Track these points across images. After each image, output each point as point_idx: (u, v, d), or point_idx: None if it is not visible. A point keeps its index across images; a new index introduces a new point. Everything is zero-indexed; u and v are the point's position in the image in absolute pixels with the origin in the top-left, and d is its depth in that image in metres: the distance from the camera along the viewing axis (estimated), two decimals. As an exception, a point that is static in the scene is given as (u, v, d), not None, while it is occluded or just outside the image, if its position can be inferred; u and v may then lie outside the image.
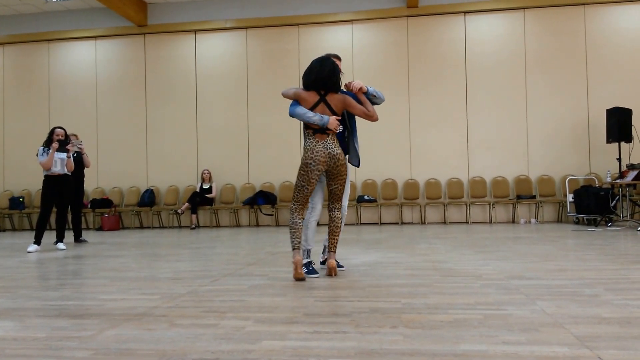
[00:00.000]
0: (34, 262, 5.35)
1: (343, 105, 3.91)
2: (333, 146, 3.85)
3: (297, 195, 3.90)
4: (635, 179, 7.85)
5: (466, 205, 10.21)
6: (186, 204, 10.52)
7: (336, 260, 4.16)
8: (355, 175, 10.53)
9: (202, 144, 11.23)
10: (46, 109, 11.74)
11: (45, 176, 6.68)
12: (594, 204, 8.51)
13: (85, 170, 8.14)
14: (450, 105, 10.41)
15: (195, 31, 11.30)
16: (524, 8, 10.31)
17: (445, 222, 10.25)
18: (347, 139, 4.19)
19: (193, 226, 10.44)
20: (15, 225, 11.49)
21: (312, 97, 3.88)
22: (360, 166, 4.24)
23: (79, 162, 7.74)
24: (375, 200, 10.21)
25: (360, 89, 3.99)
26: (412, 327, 2.42)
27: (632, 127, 8.77)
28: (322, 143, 3.84)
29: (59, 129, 6.79)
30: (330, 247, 3.98)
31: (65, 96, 11.70)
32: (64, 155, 6.71)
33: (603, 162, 9.85)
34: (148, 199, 10.92)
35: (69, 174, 6.84)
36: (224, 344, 2.21)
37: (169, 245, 6.91)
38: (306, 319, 2.63)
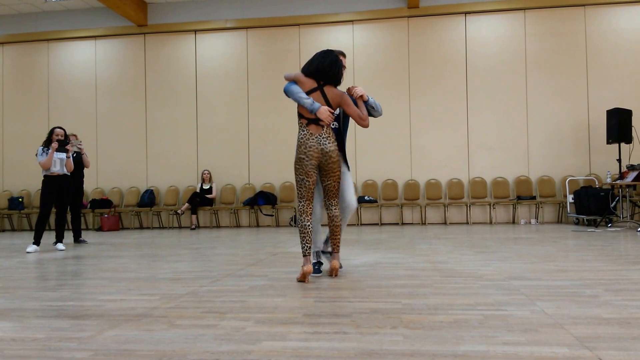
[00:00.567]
0: (33, 263, 5.34)
1: (340, 100, 3.82)
2: (327, 142, 3.75)
3: (300, 190, 3.81)
4: (635, 179, 7.85)
5: (466, 205, 10.21)
6: (186, 204, 10.51)
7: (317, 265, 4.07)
8: (355, 176, 10.53)
9: (202, 144, 11.22)
10: (45, 108, 11.74)
11: (45, 176, 6.67)
12: (594, 205, 8.51)
13: (85, 171, 8.13)
14: (450, 105, 10.41)
15: (195, 31, 11.30)
16: (524, 9, 10.31)
17: (445, 223, 10.25)
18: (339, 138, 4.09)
19: (193, 227, 10.44)
20: (15, 226, 11.48)
21: (311, 83, 3.80)
22: (349, 170, 4.14)
23: (79, 162, 7.74)
24: (375, 201, 10.20)
25: (362, 96, 3.92)
26: (412, 327, 2.41)
27: (632, 128, 8.77)
28: (316, 138, 3.74)
29: (58, 129, 6.78)
30: (333, 248, 3.88)
31: (65, 96, 11.70)
32: (63, 155, 6.71)
33: (603, 163, 9.85)
34: (148, 199, 10.92)
35: (69, 174, 6.83)
36: (224, 345, 2.21)
37: (168, 245, 6.91)
38: (306, 319, 2.62)
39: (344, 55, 4.10)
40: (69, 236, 8.22)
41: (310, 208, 3.83)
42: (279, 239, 7.39)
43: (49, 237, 7.85)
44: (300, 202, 3.82)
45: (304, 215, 3.79)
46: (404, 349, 2.09)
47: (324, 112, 3.71)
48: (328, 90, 3.81)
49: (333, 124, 4.03)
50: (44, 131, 9.35)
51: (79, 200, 7.95)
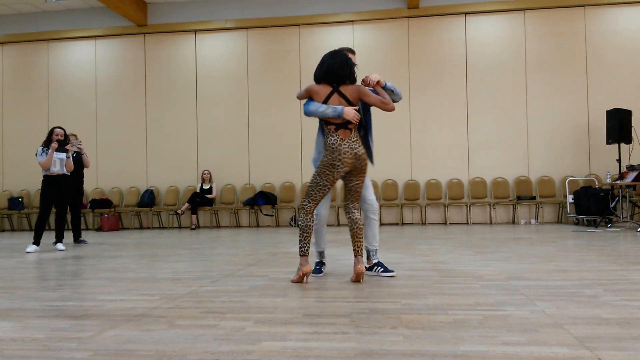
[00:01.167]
0: (33, 263, 5.34)
1: (358, 94, 3.71)
2: (357, 145, 3.67)
3: (315, 194, 3.72)
4: (635, 180, 7.85)
5: (466, 206, 10.21)
6: (186, 204, 10.51)
7: (381, 265, 3.96)
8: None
9: (203, 144, 11.22)
10: (45, 108, 11.74)
11: (44, 176, 6.66)
12: (593, 205, 8.51)
13: (85, 171, 8.13)
14: (450, 106, 10.41)
15: (195, 31, 11.30)
16: (524, 9, 10.31)
17: (445, 223, 10.25)
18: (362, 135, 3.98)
19: (193, 227, 10.44)
20: (15, 226, 11.48)
21: (325, 89, 3.71)
22: (374, 164, 4.09)
23: (79, 162, 7.74)
24: (375, 201, 10.18)
25: (378, 82, 3.82)
26: (412, 327, 2.42)
27: (632, 128, 8.78)
28: (347, 142, 3.64)
29: (58, 129, 6.78)
30: (357, 251, 3.72)
31: (65, 96, 11.70)
32: (63, 155, 6.71)
33: (603, 163, 9.85)
34: (148, 199, 10.92)
35: (68, 174, 6.83)
36: (224, 345, 2.21)
37: (168, 245, 6.91)
38: (306, 319, 2.62)
39: (352, 52, 4.03)
40: (68, 236, 8.22)
41: (313, 212, 3.80)
42: (279, 239, 7.39)
43: (48, 237, 7.85)
44: (310, 203, 3.74)
45: (309, 216, 3.73)
46: (403, 349, 2.09)
47: (349, 112, 3.62)
48: (344, 89, 3.71)
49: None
50: (44, 131, 9.34)
51: (79, 200, 7.95)
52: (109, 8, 10.62)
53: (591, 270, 4.01)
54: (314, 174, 3.75)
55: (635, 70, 9.93)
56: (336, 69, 3.69)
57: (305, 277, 3.71)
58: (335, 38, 10.72)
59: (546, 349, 2.05)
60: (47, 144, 6.70)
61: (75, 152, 7.39)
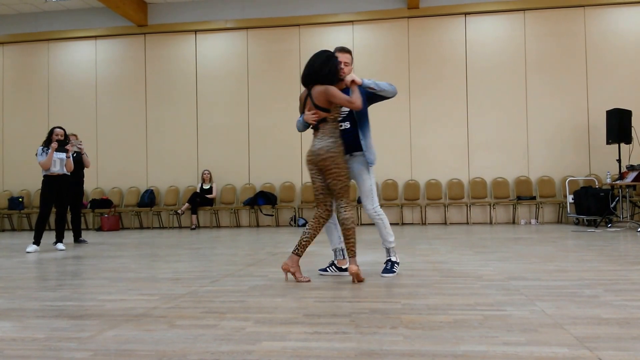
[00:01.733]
0: (33, 263, 5.34)
1: (325, 96, 3.64)
2: (316, 142, 3.72)
3: (314, 195, 3.88)
4: (635, 180, 7.85)
5: (466, 206, 10.21)
6: (186, 204, 10.51)
7: (393, 261, 3.93)
8: (355, 176, 10.54)
9: (203, 145, 11.23)
10: (46, 108, 11.74)
11: (45, 176, 6.67)
12: (594, 205, 8.51)
13: (85, 171, 8.13)
14: (450, 106, 10.41)
15: (195, 31, 11.30)
16: (524, 10, 10.31)
17: (445, 223, 10.25)
18: (354, 133, 3.88)
19: (193, 227, 10.44)
20: (15, 226, 11.48)
21: (303, 95, 3.79)
22: (374, 163, 3.90)
23: (79, 162, 7.74)
24: (375, 201, 10.19)
25: (354, 81, 3.70)
26: (412, 327, 2.42)
27: (632, 128, 8.78)
28: (312, 142, 3.78)
29: (58, 129, 6.78)
30: (349, 252, 3.67)
31: (65, 96, 11.70)
32: (63, 155, 6.71)
33: (603, 163, 9.85)
34: (148, 199, 10.92)
35: (68, 174, 6.83)
36: (224, 345, 2.21)
37: (168, 245, 6.91)
38: (306, 319, 2.62)
39: (346, 51, 3.92)
40: (69, 236, 8.22)
41: (320, 211, 3.78)
42: (279, 239, 7.39)
43: (49, 237, 7.84)
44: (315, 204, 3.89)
45: (310, 220, 3.81)
46: (403, 349, 2.09)
47: (306, 116, 3.76)
48: (313, 90, 3.70)
49: (343, 125, 3.86)
50: (44, 131, 9.34)
51: (79, 200, 7.95)
52: (109, 8, 10.63)
53: (591, 270, 4.01)
54: None
55: (635, 70, 9.93)
56: (315, 69, 3.70)
57: (295, 273, 3.74)
58: (335, 38, 10.72)
59: (546, 349, 2.05)
60: (47, 144, 6.70)
61: (75, 152, 7.39)
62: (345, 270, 3.95)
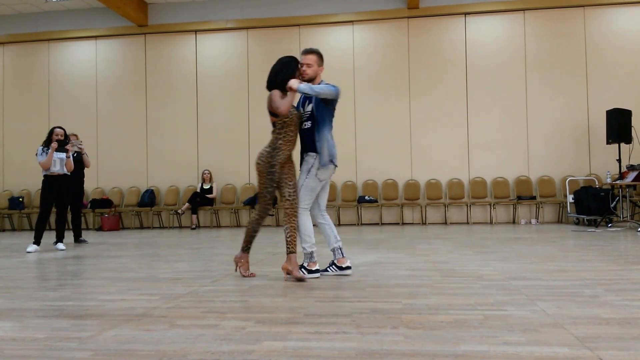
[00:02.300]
0: (33, 263, 5.34)
1: (269, 101, 3.83)
2: (262, 149, 3.91)
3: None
4: (635, 180, 7.85)
5: (467, 205, 10.21)
6: (186, 204, 10.51)
7: (330, 264, 4.02)
8: (356, 176, 10.55)
9: (203, 144, 11.23)
10: (46, 108, 11.74)
11: (45, 176, 6.67)
12: (594, 205, 8.51)
13: (85, 170, 8.13)
14: (450, 106, 10.41)
15: (195, 31, 11.30)
16: (524, 10, 10.31)
17: (445, 223, 10.25)
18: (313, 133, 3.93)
19: (193, 226, 10.44)
20: (15, 225, 11.48)
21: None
22: (326, 164, 3.87)
23: (79, 162, 7.74)
24: (376, 201, 10.21)
25: (290, 88, 3.77)
26: (412, 327, 2.42)
27: (632, 128, 8.78)
28: None
29: (58, 129, 6.78)
30: (242, 247, 4.06)
31: (65, 96, 11.70)
32: (63, 155, 6.71)
33: (603, 163, 9.85)
34: (148, 199, 10.92)
35: (69, 174, 6.83)
36: (225, 345, 2.21)
37: (169, 245, 6.91)
38: (307, 319, 2.62)
39: (310, 52, 3.95)
40: (69, 236, 8.22)
41: (265, 206, 3.97)
42: (279, 239, 7.39)
43: (49, 237, 7.84)
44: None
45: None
46: (404, 349, 2.09)
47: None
48: (268, 98, 3.86)
49: (305, 124, 3.94)
50: (44, 131, 9.32)
51: (79, 200, 7.95)
52: (110, 8, 10.62)
53: (591, 270, 4.01)
54: None
55: (635, 70, 9.93)
56: (270, 76, 3.87)
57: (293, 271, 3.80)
58: (335, 38, 10.72)
59: (547, 349, 2.05)
60: (47, 143, 6.70)
61: (75, 152, 7.39)
62: (346, 269, 3.98)
